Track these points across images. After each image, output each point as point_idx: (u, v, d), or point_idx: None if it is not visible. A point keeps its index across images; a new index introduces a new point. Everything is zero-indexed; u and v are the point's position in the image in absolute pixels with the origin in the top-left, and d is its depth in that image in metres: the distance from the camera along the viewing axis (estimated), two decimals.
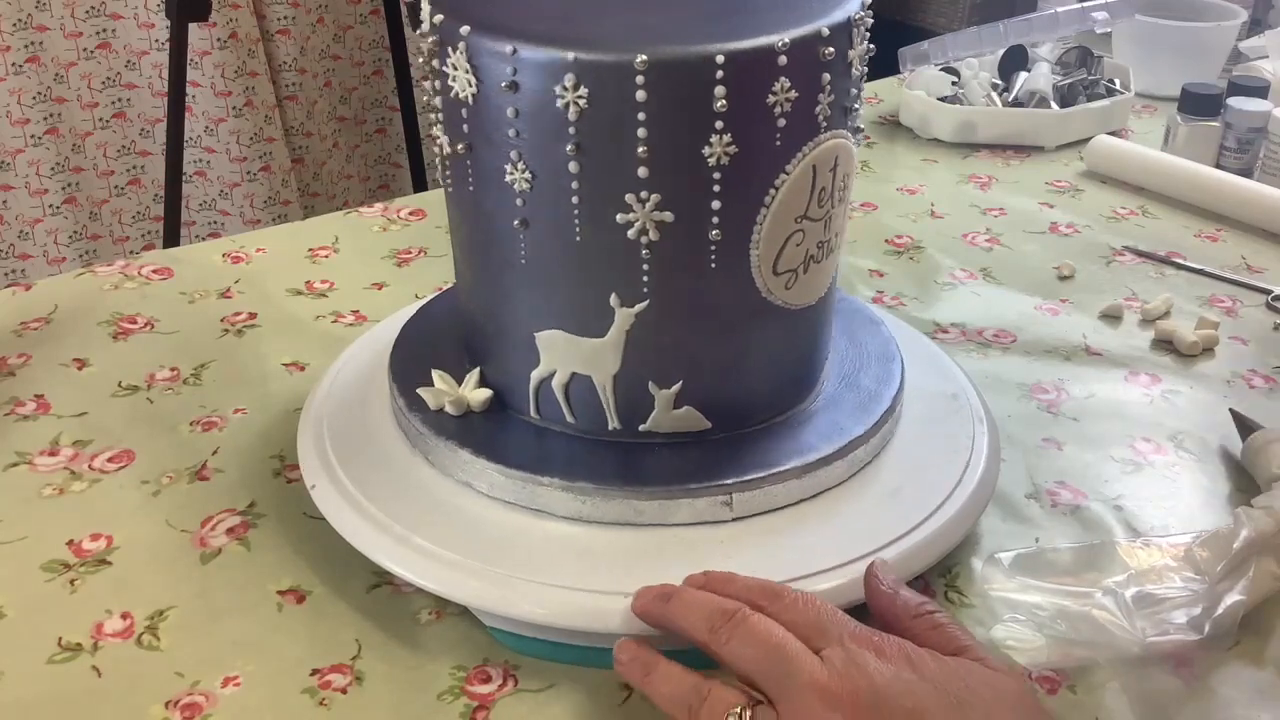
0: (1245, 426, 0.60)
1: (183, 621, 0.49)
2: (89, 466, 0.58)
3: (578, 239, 0.46)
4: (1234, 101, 0.94)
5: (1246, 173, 0.93)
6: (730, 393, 0.51)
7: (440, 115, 0.49)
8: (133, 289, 0.75)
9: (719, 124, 0.43)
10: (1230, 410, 0.62)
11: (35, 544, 0.53)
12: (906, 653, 0.38)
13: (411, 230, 0.84)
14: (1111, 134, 1.01)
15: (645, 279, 0.47)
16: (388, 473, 0.52)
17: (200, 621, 0.49)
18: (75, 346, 0.69)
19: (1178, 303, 0.76)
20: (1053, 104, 1.04)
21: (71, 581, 0.51)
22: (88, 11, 1.64)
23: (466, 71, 0.45)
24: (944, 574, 0.52)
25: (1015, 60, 1.08)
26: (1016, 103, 1.05)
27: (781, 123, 0.45)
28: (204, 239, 1.66)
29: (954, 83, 1.07)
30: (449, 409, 0.52)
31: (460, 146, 0.47)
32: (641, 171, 0.44)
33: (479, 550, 0.47)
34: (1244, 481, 0.59)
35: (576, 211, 0.45)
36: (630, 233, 0.45)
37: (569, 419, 0.51)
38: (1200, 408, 0.65)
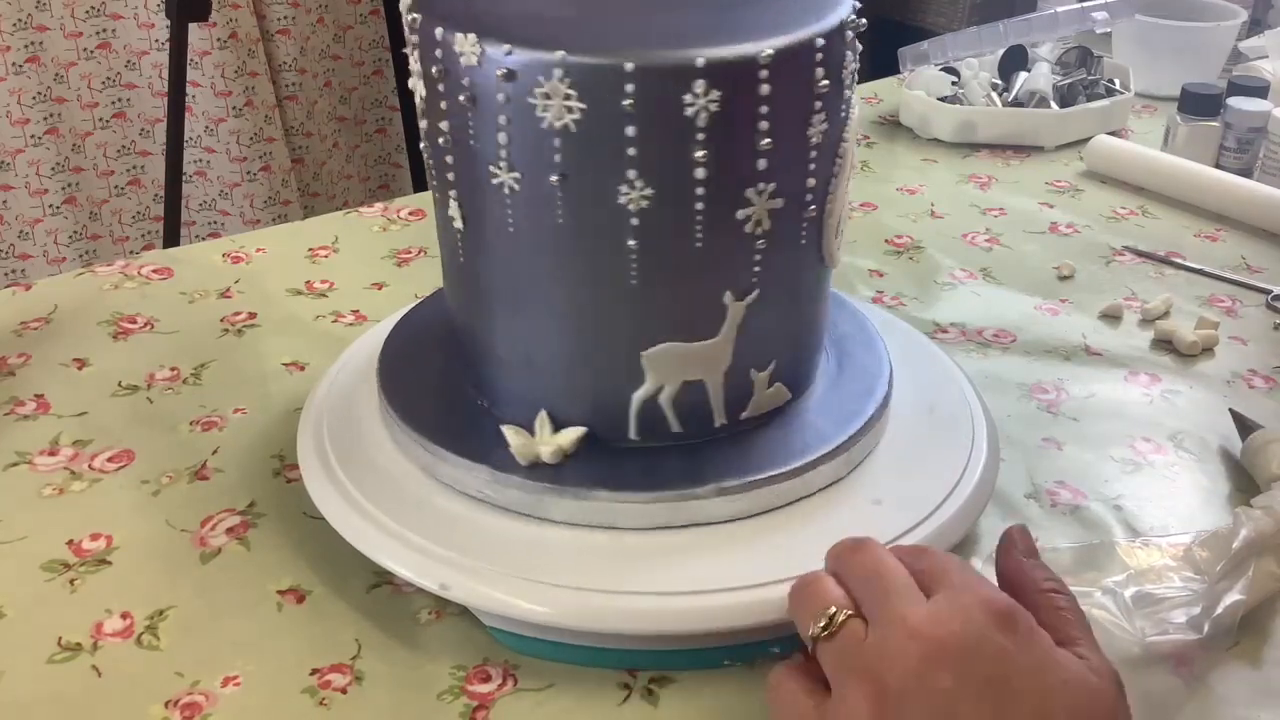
0: (1245, 426, 0.60)
1: (183, 621, 0.49)
2: (89, 466, 0.58)
3: (698, 244, 0.46)
4: (1234, 101, 0.94)
5: (1246, 173, 0.93)
6: (796, 359, 0.53)
7: (529, 149, 0.45)
8: (133, 289, 0.75)
9: (818, 104, 0.45)
10: (1230, 410, 0.62)
11: (35, 544, 0.53)
12: (1016, 620, 0.37)
13: (411, 230, 0.84)
14: (1111, 134, 1.01)
15: (756, 270, 0.47)
16: (387, 472, 0.52)
17: (200, 621, 0.49)
18: (75, 346, 0.69)
19: (1177, 303, 0.76)
20: (1053, 104, 1.04)
21: (71, 581, 0.51)
22: (88, 11, 1.64)
23: (564, 99, 0.43)
24: None
25: (1015, 60, 1.08)
26: (1016, 103, 1.05)
27: (848, 93, 0.48)
28: (204, 239, 1.66)
29: (954, 83, 1.07)
30: (547, 459, 0.49)
31: (554, 178, 0.44)
32: (761, 164, 0.44)
33: (479, 550, 0.47)
34: (1244, 481, 0.59)
35: (700, 217, 0.45)
36: (747, 226, 0.46)
37: (675, 429, 0.50)
38: (1200, 408, 0.65)
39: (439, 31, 0.44)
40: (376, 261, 0.80)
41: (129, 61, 1.70)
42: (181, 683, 0.46)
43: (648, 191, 0.44)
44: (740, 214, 0.45)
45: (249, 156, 1.79)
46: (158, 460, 0.59)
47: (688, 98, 0.42)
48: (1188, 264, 0.81)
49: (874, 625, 0.38)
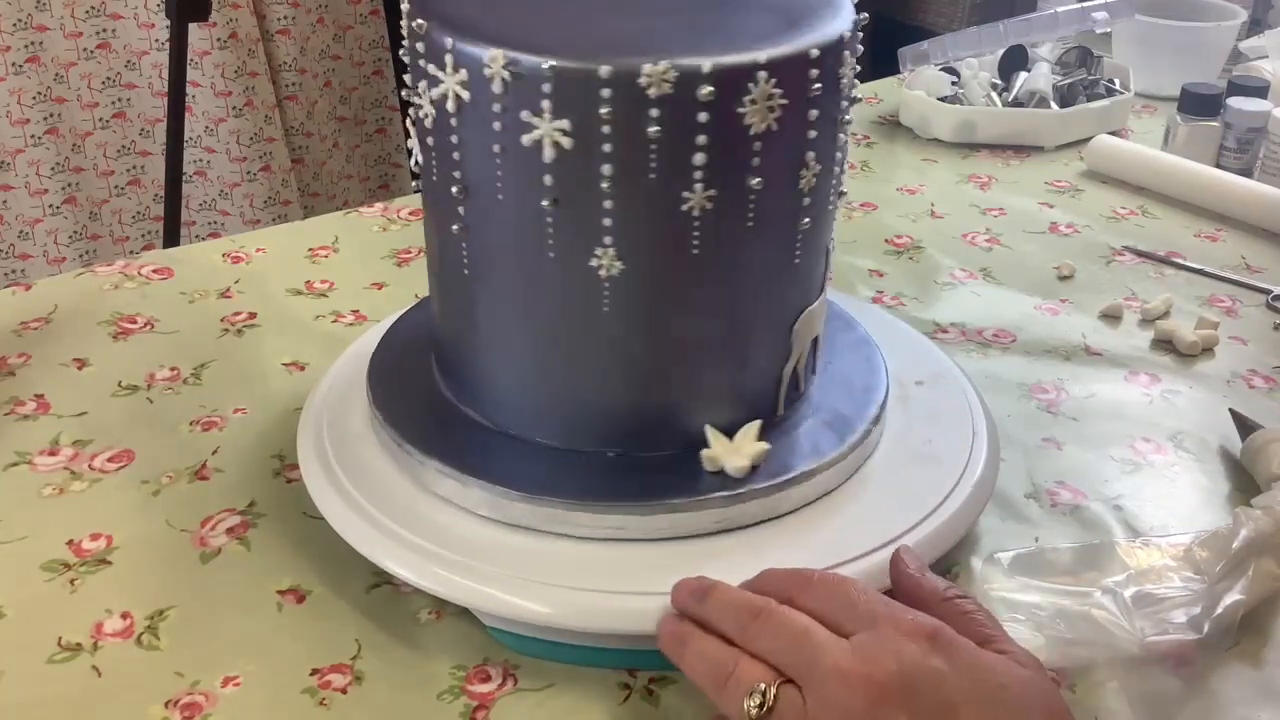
0: (1245, 426, 0.60)
1: (183, 621, 0.49)
2: (89, 466, 0.58)
3: (830, 206, 0.50)
4: (1234, 101, 0.94)
5: (1246, 173, 0.93)
6: None
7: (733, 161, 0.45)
8: (133, 289, 0.75)
9: (856, 76, 0.50)
10: (1230, 410, 0.62)
11: (35, 544, 0.53)
12: (941, 639, 0.37)
13: (411, 230, 0.84)
14: (1111, 134, 1.01)
15: (833, 222, 0.52)
16: (387, 472, 0.52)
17: (200, 621, 0.49)
18: (75, 346, 0.69)
19: (1177, 303, 0.76)
20: (1052, 104, 1.04)
21: (71, 581, 0.51)
22: (88, 11, 1.64)
23: (771, 97, 0.43)
24: (943, 574, 0.52)
25: (1015, 60, 1.08)
26: (1016, 103, 1.05)
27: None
28: (204, 239, 1.66)
29: (954, 83, 1.07)
30: (732, 472, 0.49)
31: (754, 181, 0.45)
32: (841, 137, 0.50)
33: (478, 549, 0.47)
34: (1243, 481, 0.59)
35: (834, 182, 0.50)
36: (840, 181, 0.51)
37: (802, 390, 0.53)
38: (1200, 408, 0.65)
39: (605, 70, 0.42)
40: (376, 261, 0.80)
41: (129, 61, 1.70)
42: (181, 683, 0.46)
43: (817, 169, 0.47)
44: (836, 170, 0.50)
45: (249, 156, 1.79)
46: (158, 460, 0.59)
47: (842, 71, 0.47)
48: (1188, 264, 0.81)
49: (808, 687, 0.37)
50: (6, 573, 0.51)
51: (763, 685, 0.38)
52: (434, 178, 0.49)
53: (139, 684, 0.46)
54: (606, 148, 0.43)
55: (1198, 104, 0.95)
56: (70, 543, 0.53)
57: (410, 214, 0.87)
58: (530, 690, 0.46)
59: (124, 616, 0.49)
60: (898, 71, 1.09)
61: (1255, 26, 1.28)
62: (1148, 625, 0.47)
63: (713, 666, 0.40)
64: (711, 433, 0.50)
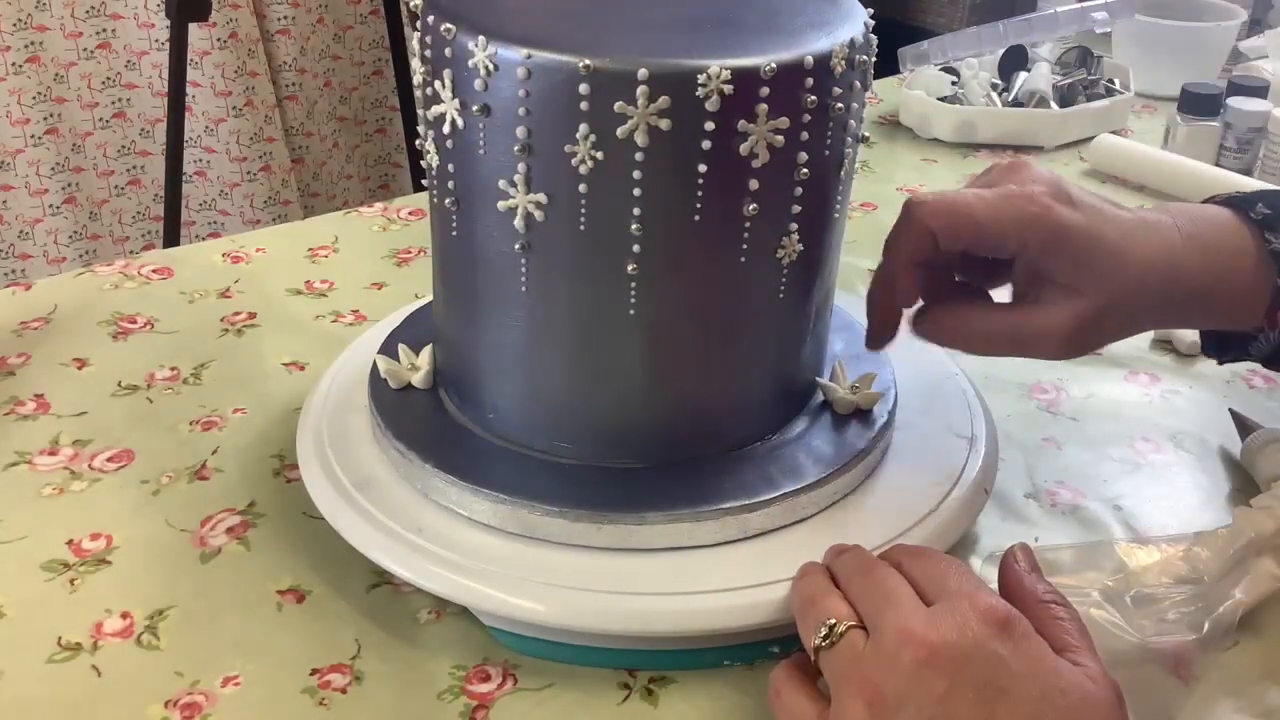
0: (1245, 426, 0.60)
1: (183, 621, 0.49)
2: (89, 466, 0.58)
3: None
4: (1234, 101, 0.94)
5: (1246, 173, 0.93)
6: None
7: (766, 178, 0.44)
8: (133, 289, 0.75)
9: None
10: (1230, 410, 0.62)
11: (35, 544, 0.53)
12: (1014, 628, 0.38)
13: (411, 230, 0.84)
14: (1112, 134, 1.01)
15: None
16: (387, 472, 0.52)
17: (200, 621, 0.49)
18: (75, 346, 0.69)
19: None
20: (1052, 104, 1.04)
21: (71, 581, 0.51)
22: (88, 11, 1.64)
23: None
24: None
25: (1015, 60, 1.08)
26: (1016, 103, 1.05)
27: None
28: (204, 239, 1.66)
29: (954, 83, 1.07)
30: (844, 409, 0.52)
31: (802, 173, 0.45)
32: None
33: (479, 549, 0.47)
34: (1243, 481, 0.59)
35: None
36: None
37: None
38: (1200, 408, 0.65)
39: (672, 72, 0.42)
40: (376, 261, 0.80)
41: (129, 61, 1.70)
42: (181, 683, 0.46)
43: (849, 154, 0.48)
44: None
45: (249, 156, 1.79)
46: (158, 460, 0.59)
47: (861, 57, 0.47)
48: None
49: (872, 635, 0.38)
50: (6, 573, 0.51)
51: (833, 620, 0.40)
52: (451, 184, 0.47)
53: (139, 684, 0.46)
54: (638, 157, 0.42)
55: (1198, 104, 0.95)
56: (70, 542, 0.53)
57: (410, 214, 0.87)
58: (530, 690, 0.46)
59: (124, 616, 0.49)
60: (898, 71, 1.09)
61: (1255, 26, 1.28)
62: (1148, 625, 0.47)
63: (808, 593, 0.42)
64: (838, 367, 0.54)
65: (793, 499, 0.48)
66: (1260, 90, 0.95)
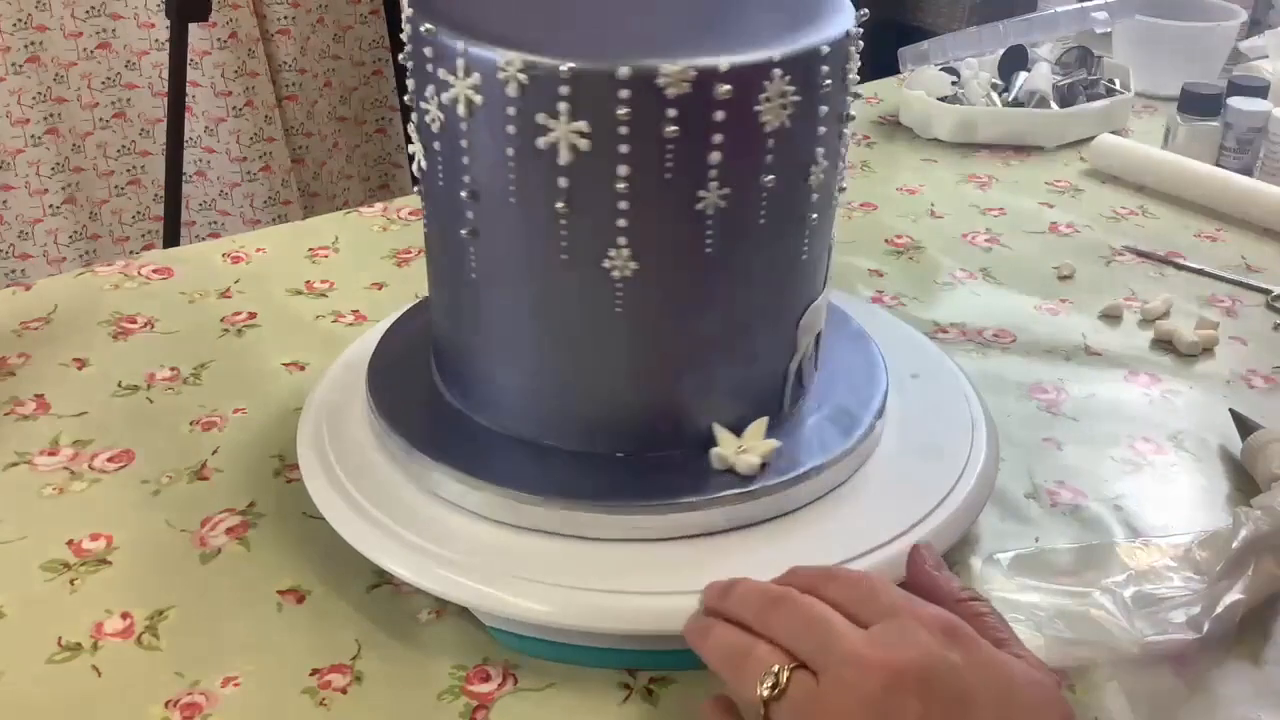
0: (1245, 426, 0.60)
1: (183, 621, 0.49)
2: (89, 466, 0.58)
3: (834, 202, 0.50)
4: (1234, 101, 0.94)
5: (1246, 173, 0.93)
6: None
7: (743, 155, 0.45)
8: (133, 289, 0.75)
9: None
10: (1230, 410, 0.62)
11: (35, 544, 0.53)
12: (960, 633, 0.38)
13: (411, 230, 0.84)
14: (1112, 134, 1.01)
15: (833, 219, 0.52)
16: (387, 471, 0.52)
17: (200, 621, 0.49)
18: (75, 346, 0.69)
19: (1178, 303, 0.76)
20: (1053, 104, 1.04)
21: (71, 581, 0.51)
22: (88, 11, 1.64)
23: (782, 96, 0.43)
24: None
25: (1015, 60, 1.08)
26: (1016, 103, 1.05)
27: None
28: (204, 239, 1.66)
29: (954, 83, 1.07)
30: (743, 470, 0.49)
31: (767, 179, 0.45)
32: (846, 133, 0.50)
33: (479, 549, 0.47)
34: (1243, 481, 0.59)
35: (840, 177, 0.50)
36: (843, 176, 0.51)
37: (805, 387, 0.53)
38: (1200, 408, 0.65)
39: (624, 71, 0.42)
40: (376, 261, 0.80)
41: (129, 61, 1.70)
42: (181, 683, 0.46)
43: (825, 165, 0.48)
44: (840, 165, 0.50)
45: (249, 156, 1.79)
46: (158, 460, 0.59)
47: (848, 66, 0.48)
48: (1188, 264, 0.81)
49: (823, 671, 0.37)
50: (6, 573, 0.51)
51: (776, 667, 0.38)
52: (440, 182, 0.48)
53: (139, 684, 0.46)
54: (623, 149, 0.43)
55: (1198, 104, 0.95)
56: (70, 543, 0.53)
57: (410, 214, 0.87)
58: (530, 690, 0.46)
59: (124, 616, 0.49)
60: (898, 71, 1.09)
61: (1255, 26, 1.28)
62: (1147, 625, 0.47)
63: (730, 651, 0.40)
64: (720, 431, 0.50)
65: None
66: (1260, 90, 0.95)
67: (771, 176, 0.45)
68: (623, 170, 0.43)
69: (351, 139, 1.98)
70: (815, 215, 0.48)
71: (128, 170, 1.76)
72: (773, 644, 0.39)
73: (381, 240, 0.83)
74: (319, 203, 1.94)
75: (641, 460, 0.50)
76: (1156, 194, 0.93)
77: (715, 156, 0.43)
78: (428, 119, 0.47)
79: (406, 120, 0.51)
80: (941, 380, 0.60)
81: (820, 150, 0.47)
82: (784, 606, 0.40)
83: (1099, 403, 0.65)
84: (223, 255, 0.80)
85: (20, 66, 1.61)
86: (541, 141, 0.43)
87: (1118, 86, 1.09)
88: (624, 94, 0.42)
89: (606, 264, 0.45)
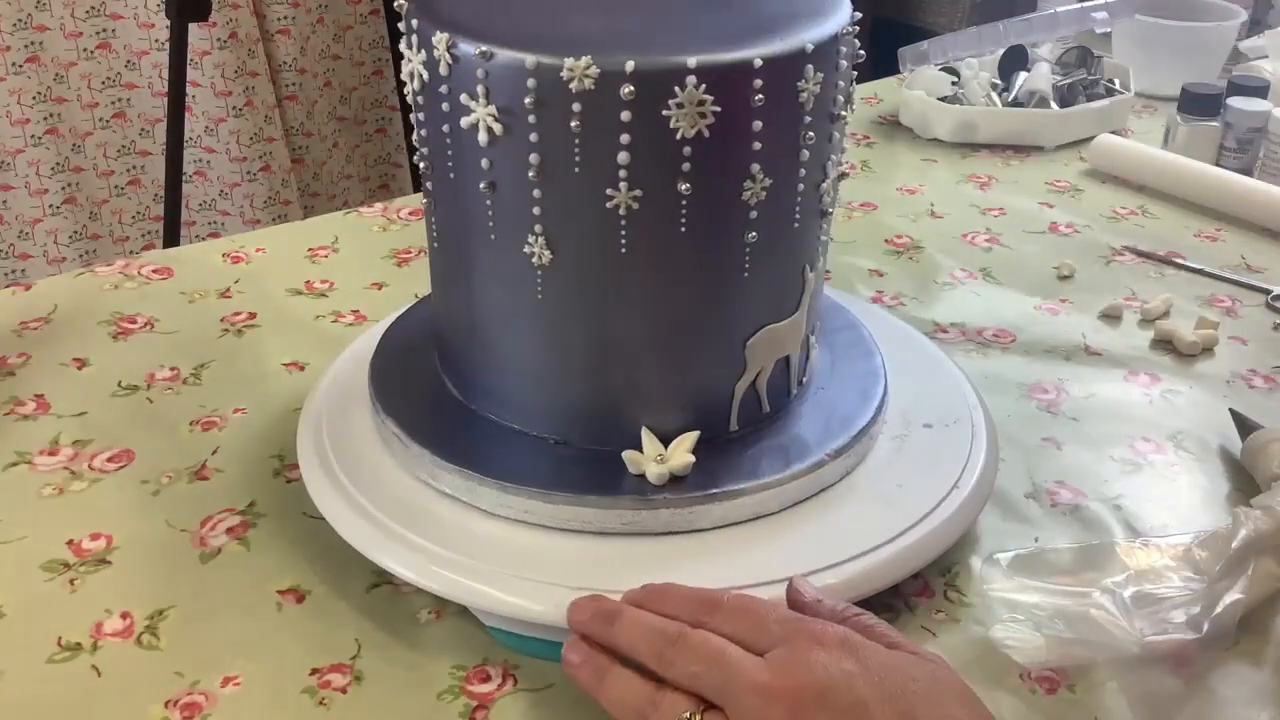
0: (1245, 426, 0.60)
1: (183, 621, 0.49)
2: (89, 466, 0.58)
3: (797, 225, 0.48)
4: (1234, 101, 0.94)
5: (1246, 173, 0.93)
6: (820, 320, 0.56)
7: (655, 163, 0.44)
8: (133, 289, 0.75)
9: (853, 82, 0.50)
10: (1230, 410, 0.62)
11: (35, 544, 0.53)
12: (850, 643, 0.39)
13: (411, 230, 0.84)
14: (1112, 134, 1.01)
15: (821, 240, 0.51)
16: (387, 472, 0.52)
17: (200, 621, 0.49)
18: (75, 346, 0.69)
19: (1178, 303, 0.76)
20: (1053, 104, 1.04)
21: (71, 581, 0.51)
22: (88, 11, 1.64)
23: (698, 105, 0.43)
24: (943, 573, 0.52)
25: (1015, 60, 1.08)
26: (1016, 103, 1.05)
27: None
28: (204, 239, 1.66)
29: (954, 83, 1.07)
30: (658, 479, 0.49)
31: (683, 187, 0.44)
32: (835, 135, 0.49)
33: (478, 549, 0.47)
34: (1243, 481, 0.59)
35: (800, 198, 0.48)
36: (823, 200, 0.49)
37: (766, 409, 0.52)
38: (1200, 408, 0.65)
39: (529, 60, 0.42)
40: (376, 261, 0.80)
41: (129, 61, 1.69)
42: (181, 683, 0.46)
43: (767, 183, 0.45)
44: (822, 187, 0.48)
45: (249, 156, 1.79)
46: (158, 460, 0.59)
47: (800, 84, 0.44)
48: (1188, 264, 0.81)
49: (730, 708, 0.38)
50: (6, 573, 0.51)
51: (687, 714, 0.38)
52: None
53: (139, 684, 0.46)
54: (533, 137, 0.44)
55: (1198, 104, 0.95)
56: (70, 543, 0.53)
57: (410, 214, 0.87)
58: (530, 690, 0.46)
59: (124, 616, 0.49)
60: (898, 71, 1.09)
61: (1255, 26, 1.28)
62: (1147, 625, 0.47)
63: (637, 702, 0.40)
64: (647, 436, 0.49)
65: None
66: (1260, 90, 0.95)
67: (687, 185, 0.44)
68: (534, 158, 0.44)
69: (351, 139, 1.98)
70: (754, 234, 0.47)
71: (128, 170, 1.76)
72: (675, 689, 0.39)
73: (381, 240, 0.83)
74: (319, 203, 1.94)
75: (576, 451, 0.50)
76: (1156, 194, 0.93)
77: (624, 157, 0.43)
78: (525, 138, 0.45)
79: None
80: (941, 380, 0.60)
81: (757, 166, 0.45)
82: (681, 646, 0.40)
83: (1099, 403, 0.65)
84: (223, 255, 0.80)
85: (20, 66, 1.61)
86: (465, 121, 0.45)
87: (1118, 86, 1.09)
88: (531, 83, 0.43)
89: (527, 249, 0.46)
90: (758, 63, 0.43)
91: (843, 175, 0.52)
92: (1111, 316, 0.75)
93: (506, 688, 0.46)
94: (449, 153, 0.47)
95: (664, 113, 0.43)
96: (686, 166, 0.44)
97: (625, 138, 0.43)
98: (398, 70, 1.85)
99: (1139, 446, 0.62)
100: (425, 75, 0.46)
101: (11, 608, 0.50)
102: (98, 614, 0.49)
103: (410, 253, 0.81)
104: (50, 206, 1.70)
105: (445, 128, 0.46)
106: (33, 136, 1.65)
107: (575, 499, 0.48)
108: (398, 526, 0.48)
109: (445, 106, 0.46)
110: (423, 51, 0.46)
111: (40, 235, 1.71)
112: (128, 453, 0.59)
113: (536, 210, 0.45)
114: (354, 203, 1.87)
